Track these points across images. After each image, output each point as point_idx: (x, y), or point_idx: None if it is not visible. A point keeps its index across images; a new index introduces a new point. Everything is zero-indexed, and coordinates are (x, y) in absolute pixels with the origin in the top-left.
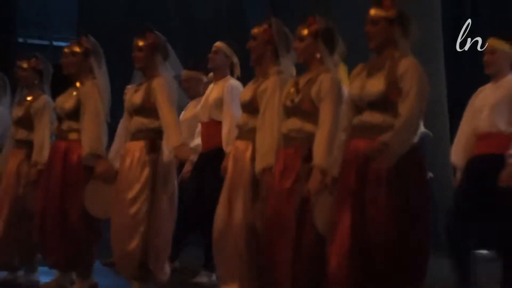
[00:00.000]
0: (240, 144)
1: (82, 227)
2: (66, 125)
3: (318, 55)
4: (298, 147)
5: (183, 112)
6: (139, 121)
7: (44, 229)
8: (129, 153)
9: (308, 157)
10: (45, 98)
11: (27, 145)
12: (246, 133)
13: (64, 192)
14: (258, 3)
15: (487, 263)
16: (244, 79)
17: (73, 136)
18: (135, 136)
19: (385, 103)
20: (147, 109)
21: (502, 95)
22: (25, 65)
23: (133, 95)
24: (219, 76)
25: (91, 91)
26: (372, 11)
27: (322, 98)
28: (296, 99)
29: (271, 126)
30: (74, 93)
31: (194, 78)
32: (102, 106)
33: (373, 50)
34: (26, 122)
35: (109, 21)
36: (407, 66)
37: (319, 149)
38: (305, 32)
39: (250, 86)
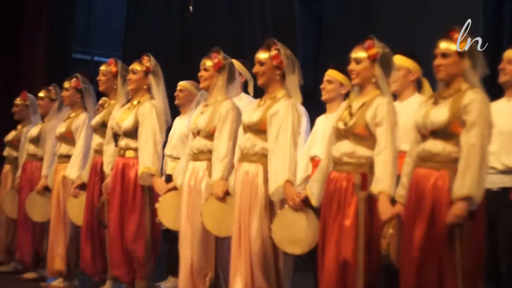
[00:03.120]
0: (250, 167)
1: (138, 242)
2: (123, 142)
3: (373, 79)
4: (350, 173)
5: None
6: (203, 144)
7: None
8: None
9: (363, 184)
10: (85, 115)
11: (69, 160)
12: (253, 156)
13: (122, 208)
14: None
15: None
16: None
17: (130, 154)
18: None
19: (447, 133)
20: (212, 133)
21: None
22: (67, 85)
23: (199, 116)
24: (232, 94)
25: (149, 111)
26: (443, 45)
27: (379, 123)
28: (350, 122)
29: (284, 149)
30: (132, 111)
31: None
32: (159, 127)
33: (441, 81)
34: (68, 138)
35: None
36: (472, 98)
37: (387, 177)
38: (363, 55)
39: (256, 107)
